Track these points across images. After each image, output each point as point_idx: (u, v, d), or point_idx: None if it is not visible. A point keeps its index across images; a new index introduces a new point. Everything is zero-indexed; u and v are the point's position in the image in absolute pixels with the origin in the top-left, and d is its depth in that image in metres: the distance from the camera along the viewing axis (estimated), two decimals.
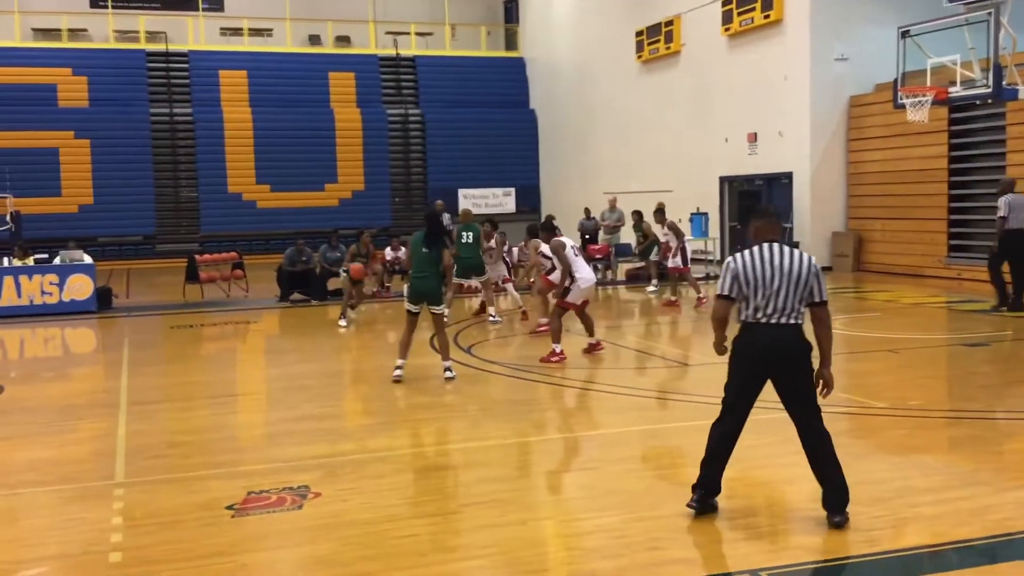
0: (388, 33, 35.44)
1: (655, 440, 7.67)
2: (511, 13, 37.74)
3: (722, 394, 5.75)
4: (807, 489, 6.31)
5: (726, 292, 5.62)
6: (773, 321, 5.49)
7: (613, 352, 12.35)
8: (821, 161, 21.64)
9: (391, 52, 35.16)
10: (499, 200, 32.41)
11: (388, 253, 19.60)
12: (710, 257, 23.19)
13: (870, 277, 19.97)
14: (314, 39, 35.25)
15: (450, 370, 10.04)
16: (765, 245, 5.60)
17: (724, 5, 23.59)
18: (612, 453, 7.27)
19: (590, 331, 11.51)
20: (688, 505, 5.65)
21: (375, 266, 19.29)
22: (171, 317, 16.74)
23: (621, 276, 21.30)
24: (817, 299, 5.55)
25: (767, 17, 22.09)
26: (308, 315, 16.96)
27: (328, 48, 34.93)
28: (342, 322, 14.84)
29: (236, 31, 34.24)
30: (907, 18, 15.45)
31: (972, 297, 15.85)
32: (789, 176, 22.03)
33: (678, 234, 16.18)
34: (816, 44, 21.19)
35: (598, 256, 20.76)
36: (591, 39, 30.85)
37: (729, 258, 5.76)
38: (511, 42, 37.58)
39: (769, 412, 8.34)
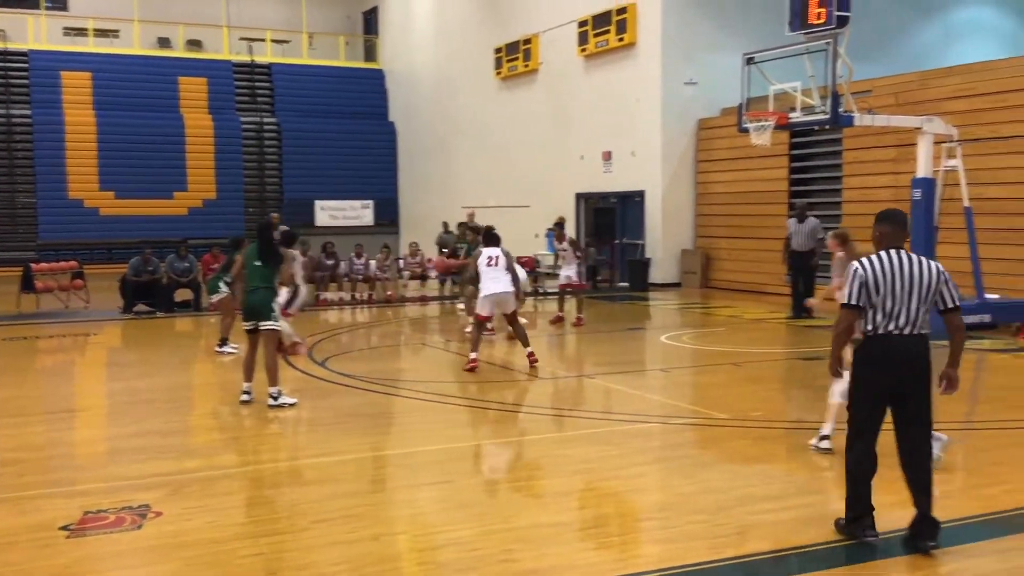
0: (242, 39, 34.64)
1: (510, 452, 7.71)
2: (370, 24, 37.52)
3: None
4: (654, 499, 6.49)
5: (855, 301, 5.30)
6: (906, 332, 5.24)
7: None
8: (671, 181, 22.34)
9: (246, 58, 34.37)
10: (357, 213, 32.10)
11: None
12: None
13: (716, 293, 20.71)
14: (164, 42, 34.10)
15: (274, 397, 9.09)
16: (892, 251, 5.36)
17: (580, 27, 24.11)
18: (467, 466, 7.27)
19: (522, 342, 11.43)
20: (869, 536, 5.32)
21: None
22: (3, 329, 15.81)
23: None
24: (950, 304, 5.32)
25: (621, 40, 22.69)
26: (153, 327, 16.33)
27: (179, 52, 33.85)
28: (231, 348, 12.73)
29: (80, 31, 32.78)
30: (752, 45, 16.13)
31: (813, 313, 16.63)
32: (641, 195, 22.65)
33: (576, 249, 15.88)
34: (667, 68, 21.90)
35: (455, 270, 20.79)
36: (451, 53, 30.99)
37: (855, 264, 5.42)
38: (370, 53, 37.34)
39: (614, 424, 8.52)
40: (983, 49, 23.23)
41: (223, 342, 12.92)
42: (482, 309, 11.34)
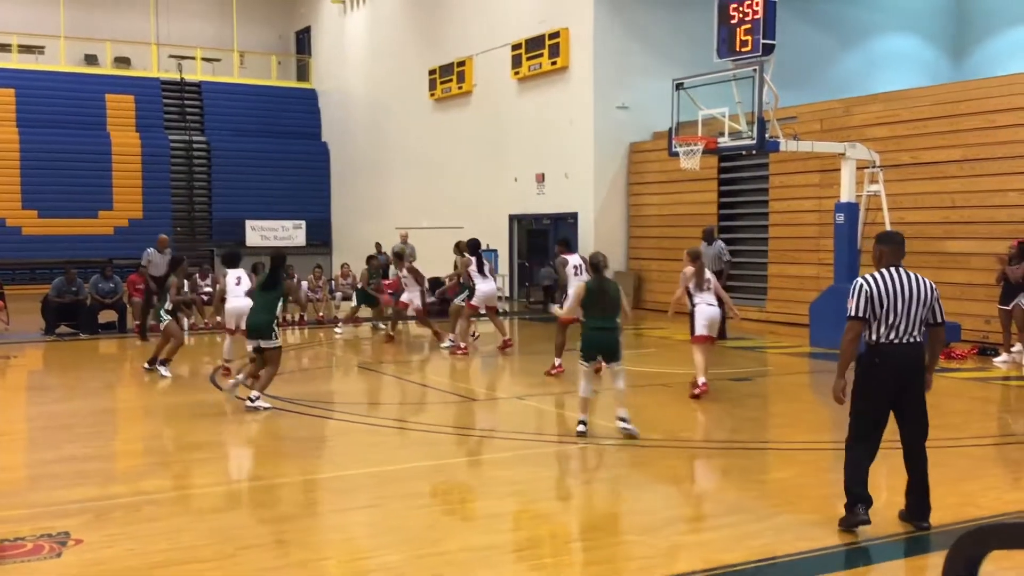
0: (172, 56, 34.18)
1: (441, 475, 7.67)
2: (303, 43, 37.30)
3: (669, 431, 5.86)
4: (584, 520, 6.51)
5: (861, 314, 5.83)
6: (905, 341, 5.80)
7: (401, 388, 12.30)
8: (604, 203, 22.56)
9: (175, 76, 33.90)
10: (289, 233, 31.75)
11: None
12: (500, 294, 23.55)
13: (648, 315, 20.90)
14: (91, 59, 33.46)
15: (253, 400, 9.92)
16: (892, 268, 5.92)
17: (514, 50, 24.28)
18: (398, 489, 7.21)
19: (500, 331, 14.56)
20: (861, 517, 5.80)
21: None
22: None
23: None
24: (939, 320, 5.96)
25: (554, 64, 22.91)
26: (76, 349, 15.92)
27: (106, 69, 33.25)
28: (164, 371, 12.58)
29: (4, 47, 32.00)
30: (681, 71, 16.42)
31: (740, 335, 16.89)
32: (575, 216, 22.83)
33: (417, 276, 16.05)
34: (599, 92, 22.16)
35: (389, 291, 20.67)
36: (385, 74, 30.94)
37: (859, 280, 5.94)
38: (303, 73, 37.11)
39: (545, 446, 8.55)
40: (904, 77, 23.99)
41: (164, 363, 12.61)
42: (478, 302, 14.20)
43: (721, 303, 11.09)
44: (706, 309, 10.95)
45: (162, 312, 12.80)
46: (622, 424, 8.71)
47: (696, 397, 10.62)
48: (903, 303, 5.82)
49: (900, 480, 6.02)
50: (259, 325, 10.16)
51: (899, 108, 16.72)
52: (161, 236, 18.19)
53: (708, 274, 11.16)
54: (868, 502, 5.86)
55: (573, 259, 13.11)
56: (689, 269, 10.99)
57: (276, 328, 10.21)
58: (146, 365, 12.69)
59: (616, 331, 8.86)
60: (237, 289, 12.27)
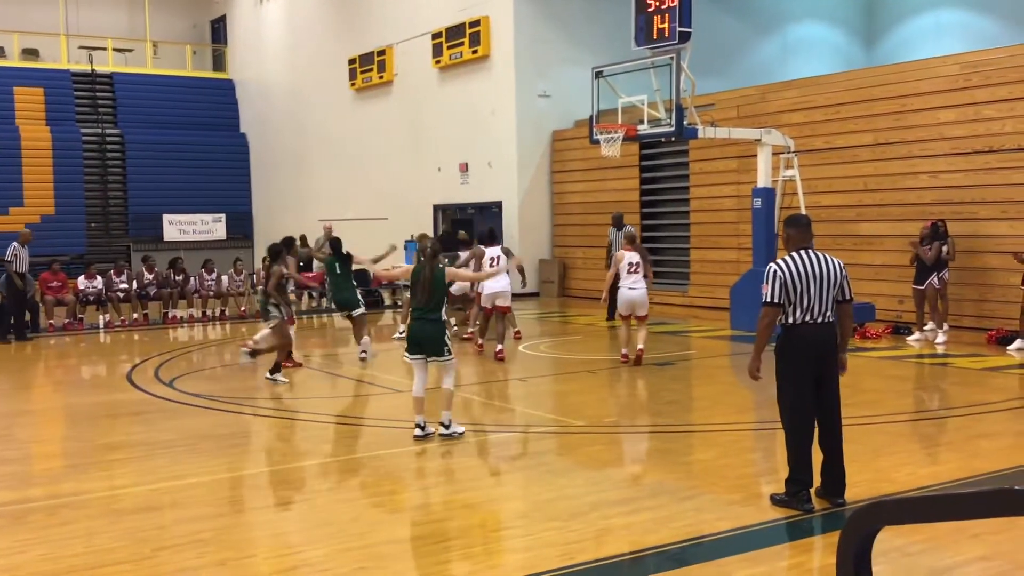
0: (82, 48, 33.14)
1: (367, 468, 7.61)
2: (218, 33, 36.55)
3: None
4: (511, 508, 6.53)
5: (776, 299, 5.96)
6: (819, 321, 5.94)
7: (326, 380, 12.18)
8: (528, 191, 22.61)
9: (86, 68, 32.88)
10: (209, 227, 31.16)
11: (82, 282, 18.26)
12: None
13: (574, 302, 21.05)
14: None
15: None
16: (803, 251, 6.03)
17: (435, 38, 24.15)
18: (322, 484, 7.14)
19: (499, 339, 12.98)
20: (807, 508, 5.94)
21: (66, 295, 17.92)
22: None
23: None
24: (848, 296, 6.09)
25: (475, 52, 22.85)
26: (15, 348, 15.41)
27: (14, 61, 32.13)
28: (280, 378, 11.45)
29: None
30: (601, 59, 16.51)
31: (662, 319, 17.10)
32: (499, 205, 22.83)
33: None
34: (520, 80, 22.17)
35: (312, 283, 20.44)
36: (304, 64, 30.51)
37: (772, 265, 6.01)
38: (219, 63, 36.37)
39: (472, 436, 8.55)
40: (819, 64, 24.51)
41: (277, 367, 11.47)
42: (485, 303, 13.27)
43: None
44: (627, 292, 11.88)
45: (270, 307, 11.56)
46: (442, 430, 8.10)
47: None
48: (816, 285, 5.95)
49: (816, 458, 6.15)
50: (349, 300, 12.64)
51: (814, 94, 17.06)
52: (24, 230, 17.38)
53: (636, 257, 11.93)
54: (811, 486, 6.04)
55: (492, 251, 13.52)
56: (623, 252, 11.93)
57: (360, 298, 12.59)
58: (268, 376, 11.37)
59: (438, 323, 8.09)
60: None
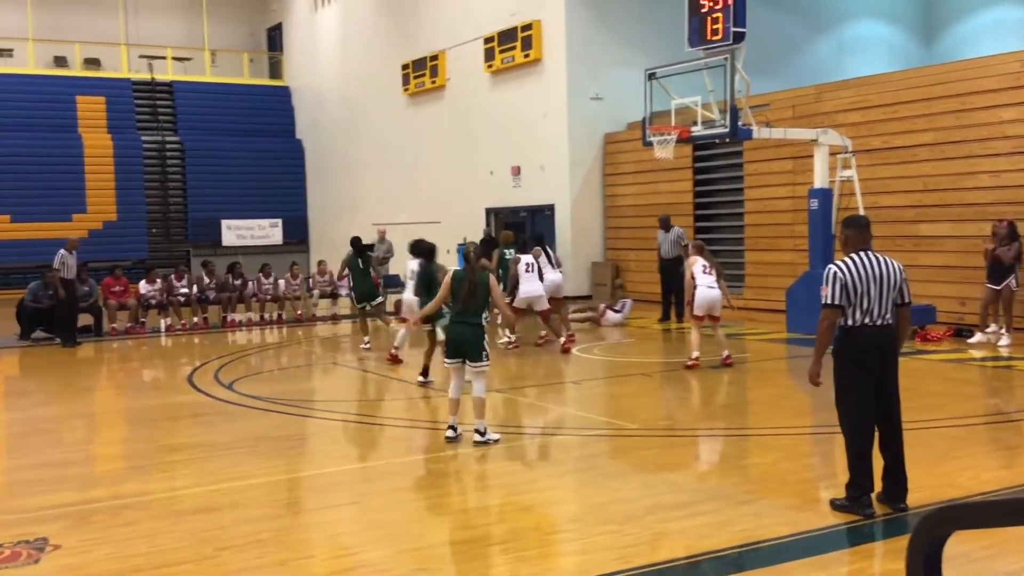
0: (142, 56, 33.87)
1: (422, 470, 7.66)
2: (275, 41, 37.08)
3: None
4: (565, 511, 6.52)
5: (836, 301, 5.87)
6: (879, 323, 5.89)
7: (381, 383, 12.28)
8: (580, 194, 22.57)
9: (146, 76, 33.61)
10: (266, 232, 31.63)
11: (143, 286, 18.63)
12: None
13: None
14: (60, 61, 33.13)
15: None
16: (862, 253, 5.96)
17: (487, 43, 24.22)
18: (378, 486, 7.20)
19: (555, 333, 13.68)
20: (867, 512, 5.87)
21: (128, 300, 18.30)
22: None
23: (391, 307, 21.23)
24: (907, 300, 6.02)
25: (527, 56, 22.87)
26: (53, 354, 15.77)
27: (76, 71, 32.92)
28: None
29: None
30: (654, 61, 16.43)
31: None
32: (551, 208, 22.82)
33: None
34: (572, 83, 22.14)
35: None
36: (358, 70, 30.81)
37: (832, 267, 5.95)
38: (275, 70, 36.88)
39: (526, 438, 8.56)
40: (876, 62, 24.12)
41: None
42: (519, 304, 13.42)
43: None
44: (706, 292, 12.00)
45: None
46: (477, 437, 8.05)
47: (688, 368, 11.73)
48: (875, 287, 5.88)
49: (876, 463, 6.05)
50: (370, 291, 12.77)
51: (871, 93, 16.80)
52: (71, 238, 17.55)
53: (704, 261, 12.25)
54: (872, 491, 5.97)
55: (526, 258, 13.75)
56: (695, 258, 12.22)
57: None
58: (420, 379, 11.29)
59: (477, 327, 8.10)
60: (410, 283, 12.61)
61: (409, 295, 12.41)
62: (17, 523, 6.21)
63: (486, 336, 8.20)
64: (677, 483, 6.95)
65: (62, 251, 16.44)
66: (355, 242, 15.00)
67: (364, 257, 14.67)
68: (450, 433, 8.22)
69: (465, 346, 8.08)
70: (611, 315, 17.42)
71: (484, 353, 8.08)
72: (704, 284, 11.98)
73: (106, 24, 33.70)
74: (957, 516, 2.38)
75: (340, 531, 6.13)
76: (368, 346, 14.42)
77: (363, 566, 5.38)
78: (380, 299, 14.69)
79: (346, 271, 15.81)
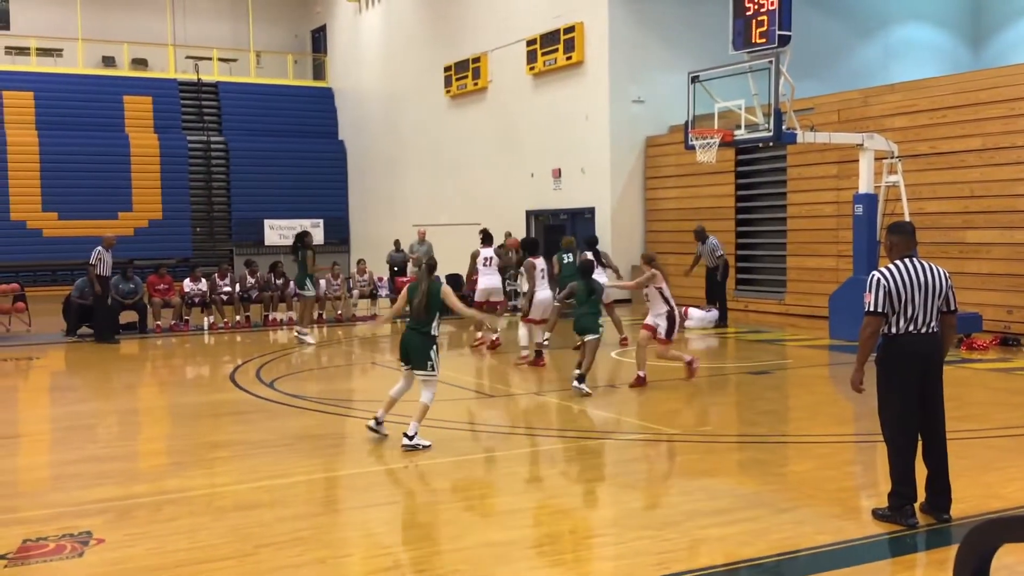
0: (188, 57, 34.34)
1: (459, 471, 7.68)
2: (319, 43, 37.39)
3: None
4: (603, 515, 6.50)
5: (880, 308, 5.82)
6: (923, 331, 5.82)
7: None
8: (621, 197, 22.51)
9: (192, 77, 34.05)
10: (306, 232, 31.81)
11: (187, 285, 18.86)
12: (518, 289, 23.58)
13: None
14: (108, 61, 33.69)
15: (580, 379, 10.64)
16: (907, 260, 5.89)
17: (529, 45, 24.24)
18: (416, 486, 7.23)
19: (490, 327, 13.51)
20: (911, 522, 5.82)
21: (173, 298, 18.54)
22: None
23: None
24: (952, 308, 5.95)
25: (569, 59, 22.86)
26: (98, 350, 16.01)
27: (123, 71, 33.45)
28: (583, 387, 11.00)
29: (23, 50, 32.27)
30: (697, 64, 16.35)
31: (758, 328, 16.83)
32: (592, 211, 22.78)
33: None
34: (614, 86, 22.09)
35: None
36: (400, 72, 30.97)
37: (876, 274, 5.91)
38: (319, 71, 37.20)
39: (563, 441, 8.54)
40: (922, 67, 23.80)
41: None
42: (534, 314, 13.00)
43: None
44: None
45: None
46: (405, 440, 8.08)
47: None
48: (920, 295, 5.81)
49: (921, 472, 5.97)
50: (588, 326, 10.93)
51: (918, 98, 16.58)
52: (107, 236, 17.38)
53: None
54: (915, 500, 5.89)
55: (539, 263, 13.51)
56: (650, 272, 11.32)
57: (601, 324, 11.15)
58: (575, 384, 10.97)
59: (426, 336, 8.15)
60: (543, 282, 13.06)
61: (545, 293, 12.89)
62: (61, 516, 6.32)
63: (435, 346, 8.24)
64: (716, 489, 6.90)
65: (99, 248, 16.60)
66: (299, 237, 16.61)
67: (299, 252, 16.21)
68: (371, 423, 8.53)
69: (412, 353, 8.24)
70: (696, 314, 17.00)
71: (429, 363, 8.17)
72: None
73: (153, 25, 34.21)
74: (1008, 529, 2.33)
75: (378, 530, 6.17)
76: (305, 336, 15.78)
77: (400, 566, 5.40)
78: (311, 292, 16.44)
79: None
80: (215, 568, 5.37)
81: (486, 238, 15.36)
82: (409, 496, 6.95)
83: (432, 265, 8.57)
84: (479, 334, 14.75)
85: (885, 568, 5.46)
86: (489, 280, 14.86)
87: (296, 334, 16.17)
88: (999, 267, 14.89)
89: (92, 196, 30.48)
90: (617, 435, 8.95)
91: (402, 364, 8.42)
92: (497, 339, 14.60)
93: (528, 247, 13.99)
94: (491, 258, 14.91)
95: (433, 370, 8.22)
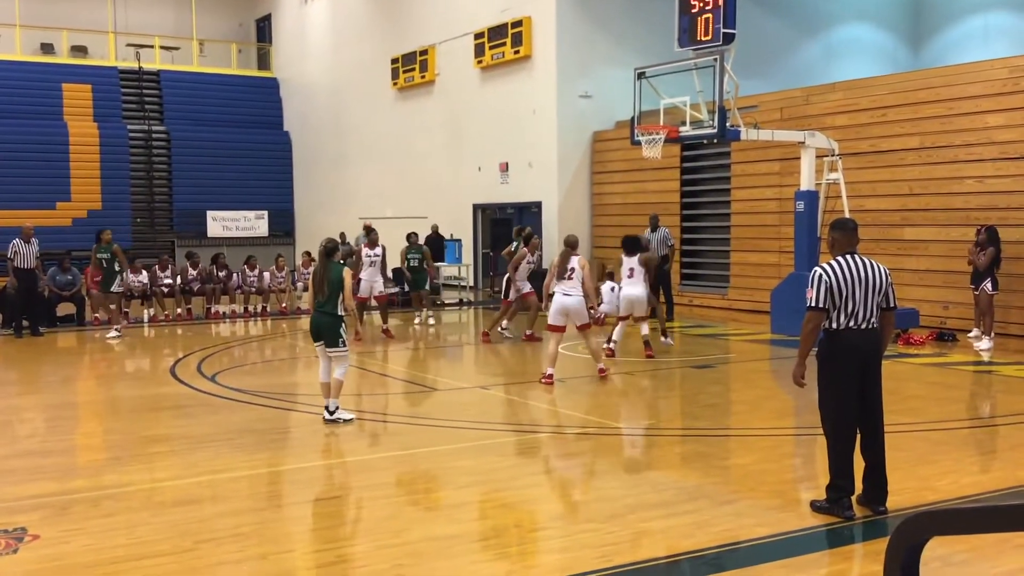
0: (129, 45, 33.69)
1: (403, 466, 7.65)
2: (263, 32, 36.93)
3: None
4: (547, 509, 6.52)
5: (821, 304, 5.88)
6: (863, 327, 5.89)
7: (363, 378, 12.25)
8: (568, 192, 22.58)
9: (133, 65, 33.43)
10: (251, 224, 31.45)
11: (127, 276, 18.49)
12: (464, 283, 23.58)
13: None
14: (47, 48, 32.91)
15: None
16: (848, 256, 5.97)
17: (477, 38, 24.20)
18: (360, 480, 7.18)
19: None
20: (848, 514, 5.89)
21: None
22: None
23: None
24: (892, 304, 6.03)
25: (517, 53, 22.86)
26: (34, 343, 15.66)
27: (63, 58, 32.72)
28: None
29: None
30: (643, 60, 16.45)
31: (702, 322, 17.00)
32: (539, 205, 22.82)
33: None
34: (562, 81, 22.15)
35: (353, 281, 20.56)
36: (347, 63, 30.72)
37: (817, 269, 5.96)
38: (264, 61, 36.74)
39: (508, 435, 8.55)
40: (863, 66, 24.22)
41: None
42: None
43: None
44: (560, 299, 11.02)
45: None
46: (326, 415, 8.85)
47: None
48: (861, 291, 5.90)
49: (859, 465, 6.08)
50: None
51: (858, 97, 16.86)
52: (25, 226, 16.90)
53: (573, 263, 11.12)
54: (853, 493, 5.98)
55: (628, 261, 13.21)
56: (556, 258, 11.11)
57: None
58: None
59: (332, 316, 8.84)
60: (631, 280, 12.78)
61: (637, 290, 12.68)
62: None
63: (343, 325, 8.90)
64: (659, 482, 6.96)
65: (16, 240, 16.03)
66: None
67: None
68: (326, 415, 8.87)
69: (322, 332, 8.88)
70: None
71: (340, 340, 8.85)
72: (561, 291, 11.08)
73: (94, 11, 33.51)
74: (936, 522, 2.38)
75: (319, 525, 6.12)
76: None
77: (343, 561, 5.37)
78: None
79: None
80: (153, 564, 5.29)
81: (634, 246, 13.13)
82: (350, 491, 6.91)
83: (331, 249, 9.05)
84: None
85: (823, 559, 5.55)
86: (633, 290, 12.86)
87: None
88: (936, 264, 15.22)
89: (29, 186, 29.76)
90: (561, 429, 8.98)
91: (316, 343, 8.99)
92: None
93: (626, 245, 13.13)
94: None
95: (344, 347, 8.88)
